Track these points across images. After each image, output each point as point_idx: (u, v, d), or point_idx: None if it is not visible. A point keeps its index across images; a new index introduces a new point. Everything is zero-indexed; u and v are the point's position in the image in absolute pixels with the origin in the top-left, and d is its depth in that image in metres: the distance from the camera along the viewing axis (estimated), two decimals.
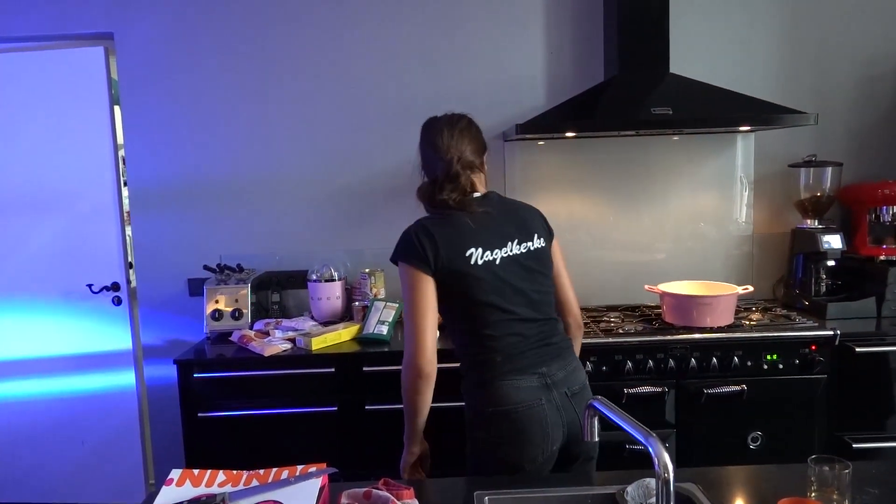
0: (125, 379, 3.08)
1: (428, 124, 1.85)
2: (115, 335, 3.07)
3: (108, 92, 2.95)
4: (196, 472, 1.34)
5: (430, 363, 1.67)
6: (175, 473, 1.34)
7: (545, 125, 2.62)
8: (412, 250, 1.69)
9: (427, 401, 1.73)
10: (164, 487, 1.31)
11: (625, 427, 1.06)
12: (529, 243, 1.74)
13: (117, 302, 3.03)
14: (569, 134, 2.73)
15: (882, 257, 2.72)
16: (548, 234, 1.82)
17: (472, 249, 1.66)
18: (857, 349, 2.43)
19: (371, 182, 2.99)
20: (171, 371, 2.53)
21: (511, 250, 1.70)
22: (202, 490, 1.29)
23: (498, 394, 1.65)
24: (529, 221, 1.79)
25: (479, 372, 1.71)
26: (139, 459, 3.10)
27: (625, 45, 2.69)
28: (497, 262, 1.67)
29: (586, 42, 2.92)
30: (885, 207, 2.73)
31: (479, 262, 1.66)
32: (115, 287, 3.03)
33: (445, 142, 1.76)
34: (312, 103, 2.95)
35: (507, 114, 2.93)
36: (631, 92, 2.66)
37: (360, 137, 2.96)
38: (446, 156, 1.74)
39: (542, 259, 1.74)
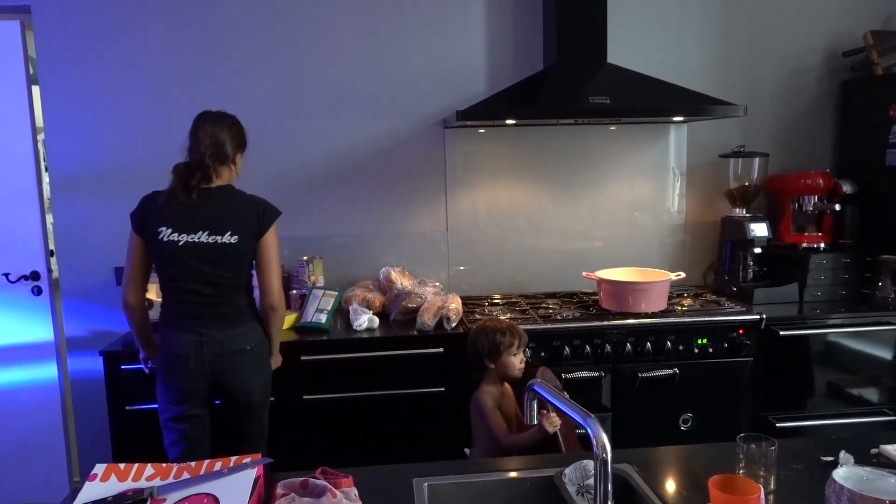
0: (47, 372, 2.92)
1: (198, 116, 2.11)
2: (35, 327, 2.90)
3: (24, 70, 2.77)
4: (122, 466, 1.28)
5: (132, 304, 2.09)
6: (99, 468, 1.28)
7: (485, 112, 2.62)
8: (134, 212, 2.07)
9: None
10: (87, 483, 1.24)
11: (563, 409, 1.06)
12: (219, 237, 2.02)
13: (37, 292, 2.87)
14: (509, 121, 2.74)
15: (804, 245, 2.84)
16: (251, 233, 2.05)
17: (164, 228, 2.00)
18: (781, 332, 2.54)
19: (309, 168, 2.92)
20: (96, 363, 2.43)
21: (199, 238, 2.01)
22: (129, 485, 1.23)
23: (164, 338, 2.07)
24: (231, 220, 2.03)
25: (160, 318, 2.11)
26: (62, 456, 2.95)
27: (563, 35, 2.72)
28: (180, 243, 2.00)
29: (526, 30, 2.93)
30: (807, 197, 2.86)
31: (165, 239, 2.00)
32: (35, 276, 2.86)
33: (203, 136, 2.04)
34: (246, 85, 2.85)
35: (448, 101, 2.91)
36: (570, 81, 2.68)
37: (298, 122, 2.89)
38: (201, 147, 2.03)
39: (228, 252, 2.03)
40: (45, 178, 3.02)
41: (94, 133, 2.81)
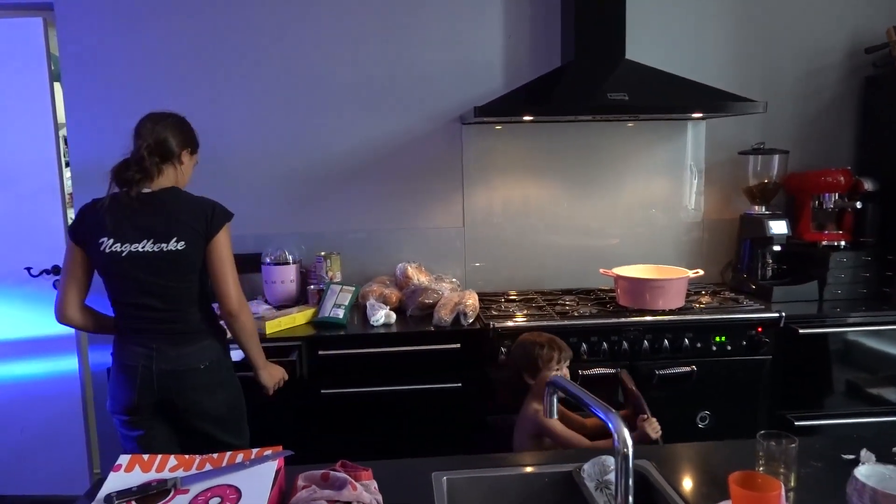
0: (67, 365, 2.97)
1: (143, 116, 1.99)
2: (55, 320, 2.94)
3: (46, 67, 2.81)
4: (146, 457, 1.30)
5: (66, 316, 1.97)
6: (123, 459, 1.30)
7: (503, 108, 2.62)
8: (72, 222, 1.95)
9: None
10: (111, 474, 1.26)
11: (586, 403, 1.07)
12: (164, 245, 1.88)
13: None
14: (526, 118, 2.74)
15: (824, 243, 2.82)
16: (199, 237, 1.90)
17: (105, 239, 1.87)
18: (801, 331, 2.52)
19: (327, 164, 2.94)
20: None
21: (143, 247, 1.87)
22: (153, 475, 1.25)
23: (115, 348, 1.97)
24: (177, 225, 1.89)
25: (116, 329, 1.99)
26: (83, 447, 3.00)
27: (581, 31, 2.71)
28: (123, 254, 1.87)
29: (543, 27, 2.92)
30: (827, 195, 2.83)
31: (108, 250, 1.86)
32: (56, 270, 2.91)
33: (144, 133, 1.93)
34: (266, 82, 2.87)
35: (465, 97, 2.91)
36: (587, 77, 2.68)
37: (316, 119, 2.91)
38: (139, 140, 1.92)
39: (176, 260, 1.88)
40: (66, 174, 3.06)
41: (115, 129, 2.82)
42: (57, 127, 2.88)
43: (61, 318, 1.95)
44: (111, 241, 1.87)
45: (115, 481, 1.24)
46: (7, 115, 2.82)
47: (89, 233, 1.89)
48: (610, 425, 1.00)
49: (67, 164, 2.96)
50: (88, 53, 2.79)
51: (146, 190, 1.90)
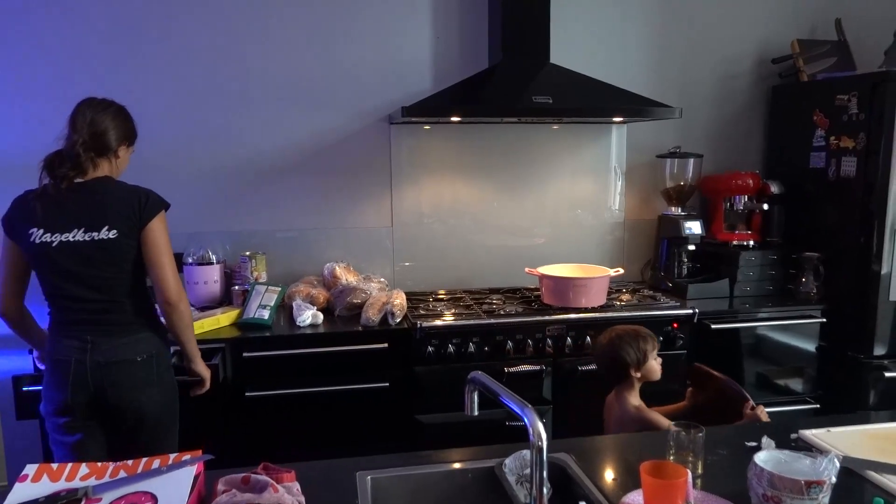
0: None
1: (81, 101, 1.92)
2: None
3: None
4: (55, 466, 1.25)
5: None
6: (30, 469, 1.24)
7: (430, 109, 2.64)
8: (4, 213, 1.89)
9: None
10: (17, 484, 1.20)
11: (502, 399, 1.09)
12: (96, 233, 1.84)
13: None
14: (454, 119, 2.77)
15: (735, 242, 2.98)
16: (132, 225, 1.87)
17: (35, 229, 1.83)
18: (713, 326, 2.65)
19: (253, 161, 2.88)
20: (27, 361, 2.33)
21: (73, 237, 1.83)
22: (62, 485, 1.20)
23: (48, 344, 1.92)
24: (109, 213, 1.85)
25: (48, 324, 1.94)
26: None
27: (507, 34, 2.76)
28: (53, 244, 1.83)
29: (471, 28, 2.96)
30: (738, 196, 2.99)
31: (38, 241, 1.82)
32: None
33: (80, 124, 1.87)
34: (186, 76, 2.79)
35: (394, 97, 2.92)
36: (513, 79, 2.73)
37: (243, 114, 2.84)
38: (74, 135, 1.86)
39: (109, 249, 1.85)
40: None
41: (24, 119, 2.68)
42: None
43: (3, 315, 1.91)
44: (41, 231, 1.82)
45: (21, 492, 1.19)
46: None
47: (20, 224, 1.84)
48: (525, 419, 1.03)
49: None
50: None
51: (78, 180, 1.86)
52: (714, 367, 2.67)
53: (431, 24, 2.94)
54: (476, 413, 1.23)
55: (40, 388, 1.95)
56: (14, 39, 2.65)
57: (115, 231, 1.84)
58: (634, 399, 2.02)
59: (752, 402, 1.92)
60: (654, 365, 2.03)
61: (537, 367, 2.54)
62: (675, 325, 2.64)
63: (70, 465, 1.25)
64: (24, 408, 2.28)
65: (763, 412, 1.89)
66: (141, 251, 1.88)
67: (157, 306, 1.96)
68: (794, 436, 1.53)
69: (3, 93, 2.67)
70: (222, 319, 2.50)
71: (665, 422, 1.94)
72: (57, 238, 1.82)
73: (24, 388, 2.27)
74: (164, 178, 2.78)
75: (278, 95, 2.86)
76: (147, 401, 1.90)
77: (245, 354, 2.39)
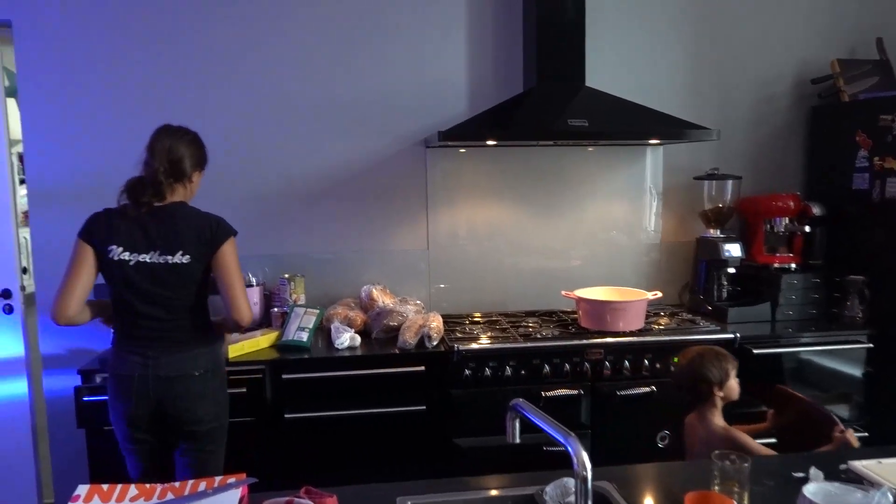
0: (17, 392, 2.86)
1: (158, 129, 2.06)
2: (5, 345, 2.85)
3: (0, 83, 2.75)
4: (105, 487, 1.28)
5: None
6: (82, 489, 1.27)
7: (466, 133, 2.67)
8: (84, 225, 2.00)
9: None
10: None
11: (544, 428, 1.09)
12: (170, 257, 1.96)
13: (8, 310, 2.83)
14: (489, 142, 2.79)
15: (776, 265, 2.92)
16: (203, 251, 1.98)
17: (114, 247, 1.95)
18: (755, 351, 2.60)
19: (292, 186, 2.94)
20: (74, 381, 2.39)
21: (150, 258, 1.96)
22: None
23: (112, 359, 2.03)
24: (182, 238, 1.97)
25: (112, 337, 2.07)
26: (32, 477, 2.89)
27: (543, 58, 2.78)
28: (131, 263, 1.95)
29: (506, 53, 2.99)
30: (778, 219, 2.94)
31: (116, 258, 1.94)
32: (6, 294, 2.82)
33: (160, 150, 2.00)
34: (227, 102, 2.87)
35: (429, 121, 2.95)
36: (549, 103, 2.74)
37: (282, 140, 2.91)
38: (156, 162, 1.98)
39: (180, 273, 1.96)
40: (21, 192, 2.98)
41: (74, 147, 2.79)
42: (9, 145, 2.81)
43: (62, 318, 1.95)
44: (121, 249, 1.95)
45: None
46: None
47: (100, 238, 1.96)
48: (569, 449, 1.02)
49: (22, 182, 2.89)
50: (46, 69, 2.75)
51: (156, 204, 1.99)
52: (756, 394, 2.63)
53: (467, 49, 2.98)
54: (518, 440, 1.23)
55: (99, 398, 2.12)
56: (89, 70, 2.77)
57: (188, 256, 1.96)
58: (719, 420, 2.00)
59: (840, 426, 1.87)
60: (735, 384, 2.02)
61: (575, 392, 2.52)
62: None
63: (119, 486, 1.28)
64: (84, 417, 2.38)
65: (853, 436, 1.84)
66: (208, 274, 2.01)
67: (210, 321, 2.09)
68: (843, 467, 1.49)
69: (48, 124, 2.78)
70: (262, 341, 2.54)
71: (755, 444, 1.93)
72: (135, 258, 1.95)
73: (84, 399, 2.37)
74: (207, 203, 2.83)
75: (316, 121, 2.92)
76: (203, 414, 2.01)
77: (284, 376, 2.42)
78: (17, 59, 2.74)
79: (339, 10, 2.88)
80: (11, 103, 2.92)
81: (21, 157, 3.44)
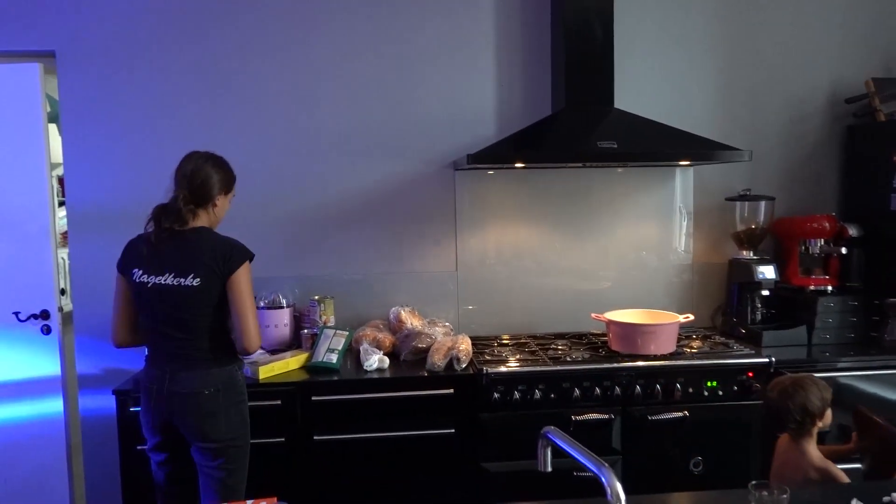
0: (53, 412, 2.91)
1: (185, 156, 2.15)
2: (42, 365, 2.90)
3: (41, 110, 2.84)
4: None
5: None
6: None
7: (495, 156, 2.68)
8: (121, 254, 2.15)
9: None
10: None
11: (577, 457, 1.08)
12: (183, 280, 2.03)
13: (46, 331, 2.89)
14: (518, 164, 2.80)
15: (812, 287, 2.86)
16: (217, 275, 2.03)
17: (137, 270, 2.07)
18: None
19: (322, 208, 2.97)
20: (109, 401, 2.44)
21: (166, 281, 2.04)
22: None
23: (142, 373, 2.19)
24: (196, 263, 2.03)
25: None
26: (66, 495, 2.93)
27: (571, 81, 2.79)
28: (149, 285, 2.05)
29: (534, 76, 3.00)
30: (813, 240, 2.88)
31: (138, 280, 2.06)
32: (45, 315, 2.89)
33: (181, 178, 2.09)
34: (263, 127, 2.92)
35: (458, 143, 2.97)
36: (578, 125, 2.74)
37: (312, 163, 2.95)
38: (177, 190, 2.08)
39: (191, 295, 2.03)
40: (60, 213, 3.06)
41: (112, 171, 2.87)
42: (50, 168, 2.90)
43: (115, 343, 2.17)
44: (140, 272, 2.06)
45: None
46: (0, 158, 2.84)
47: (127, 264, 2.10)
48: (603, 480, 1.01)
49: (62, 204, 2.97)
50: (88, 97, 2.84)
51: (178, 228, 2.07)
52: None
53: (495, 72, 3.00)
54: (549, 469, 1.21)
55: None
56: (99, 101, 2.86)
57: (198, 279, 2.02)
58: (815, 450, 1.96)
59: None
60: (830, 412, 1.98)
61: (606, 416, 2.48)
62: (751, 374, 2.54)
63: None
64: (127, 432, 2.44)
65: None
66: (222, 298, 2.05)
67: (230, 343, 2.14)
68: (886, 499, 1.45)
69: (88, 148, 2.86)
70: (292, 363, 2.56)
71: (846, 478, 1.88)
72: (152, 280, 2.05)
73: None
74: (238, 225, 2.88)
75: (347, 145, 2.96)
76: (210, 430, 2.05)
77: (314, 398, 2.43)
78: (60, 86, 2.84)
79: (370, 36, 2.93)
80: (53, 128, 3.01)
81: (60, 180, 3.55)
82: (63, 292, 3.17)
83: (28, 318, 2.88)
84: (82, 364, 2.92)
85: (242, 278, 2.05)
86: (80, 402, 2.94)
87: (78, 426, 2.97)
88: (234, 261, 2.05)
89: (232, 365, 2.12)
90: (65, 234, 3.38)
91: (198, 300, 2.03)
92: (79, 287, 2.90)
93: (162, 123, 2.87)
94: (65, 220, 2.97)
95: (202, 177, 2.09)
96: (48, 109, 2.94)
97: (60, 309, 2.94)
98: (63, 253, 3.33)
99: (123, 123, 2.86)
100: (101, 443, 2.88)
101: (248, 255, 2.09)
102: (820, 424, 1.95)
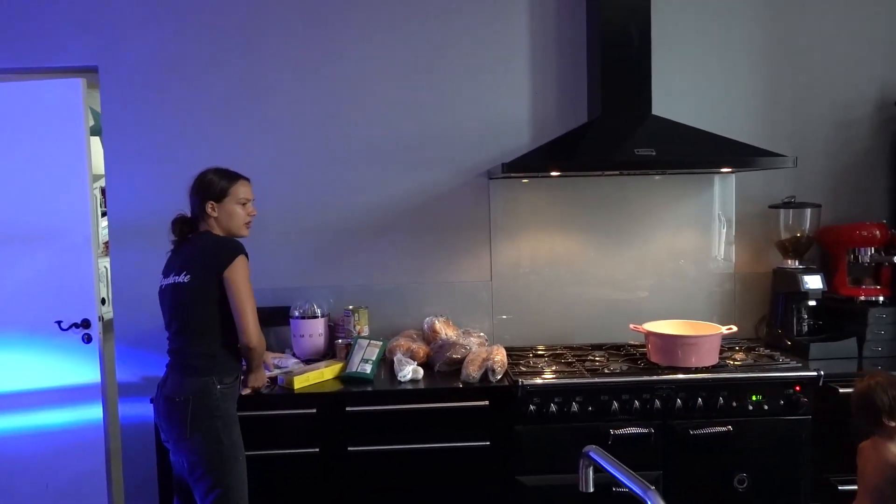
0: (94, 421, 2.96)
1: None
2: (83, 373, 2.95)
3: (83, 123, 2.90)
4: None
5: None
6: None
7: (531, 164, 2.65)
8: None
9: None
10: None
11: (621, 479, 1.04)
12: (177, 278, 2.14)
13: (87, 340, 2.94)
14: (553, 173, 2.76)
15: (862, 298, 2.75)
16: (205, 272, 2.12)
17: (162, 275, 2.24)
18: (841, 390, 2.44)
19: (356, 218, 2.97)
20: (147, 409, 2.46)
21: (169, 281, 2.18)
22: None
23: None
24: (189, 261, 2.15)
25: None
26: (104, 498, 2.97)
27: (607, 88, 2.74)
28: (162, 287, 2.22)
29: (569, 84, 2.96)
30: (863, 249, 2.77)
31: (160, 285, 2.24)
32: (86, 324, 2.94)
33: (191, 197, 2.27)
34: (297, 139, 2.94)
35: (492, 152, 2.95)
36: (614, 133, 2.70)
37: (347, 173, 2.96)
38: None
39: (181, 292, 2.14)
40: (102, 223, 3.12)
41: (154, 183, 2.91)
42: (92, 180, 2.96)
43: None
44: (162, 277, 2.24)
45: None
46: (43, 170, 2.90)
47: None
48: (648, 503, 0.97)
49: (104, 214, 3.02)
50: (129, 111, 2.90)
51: (190, 235, 2.25)
52: (843, 436, 2.46)
53: (529, 80, 2.97)
54: (591, 490, 1.17)
55: None
56: (139, 115, 2.91)
57: (189, 276, 2.13)
58: (893, 448, 1.93)
59: None
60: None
61: (645, 430, 2.41)
62: (798, 387, 2.45)
63: None
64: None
65: None
66: (216, 298, 2.12)
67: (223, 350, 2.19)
68: None
69: (129, 160, 2.91)
70: (326, 373, 2.56)
71: None
72: (164, 282, 2.22)
73: None
74: (273, 236, 2.94)
75: (380, 154, 2.96)
76: (178, 439, 2.12)
77: (348, 409, 2.42)
78: (103, 101, 2.90)
79: (403, 46, 2.93)
80: (96, 141, 3.08)
81: (103, 191, 3.63)
82: (103, 301, 3.22)
83: (70, 328, 2.94)
84: (122, 372, 2.96)
85: (238, 274, 2.11)
86: (120, 410, 2.98)
87: (117, 433, 3.01)
88: (225, 256, 2.11)
89: (210, 376, 2.11)
90: (106, 244, 3.45)
91: (188, 297, 2.13)
92: (119, 296, 2.95)
93: (199, 136, 2.91)
94: (106, 230, 3.03)
95: (191, 190, 2.26)
96: (91, 123, 3.01)
97: (101, 318, 2.99)
98: (104, 262, 3.39)
99: (162, 136, 2.91)
100: (139, 449, 2.91)
101: (240, 251, 2.14)
102: (892, 424, 1.92)
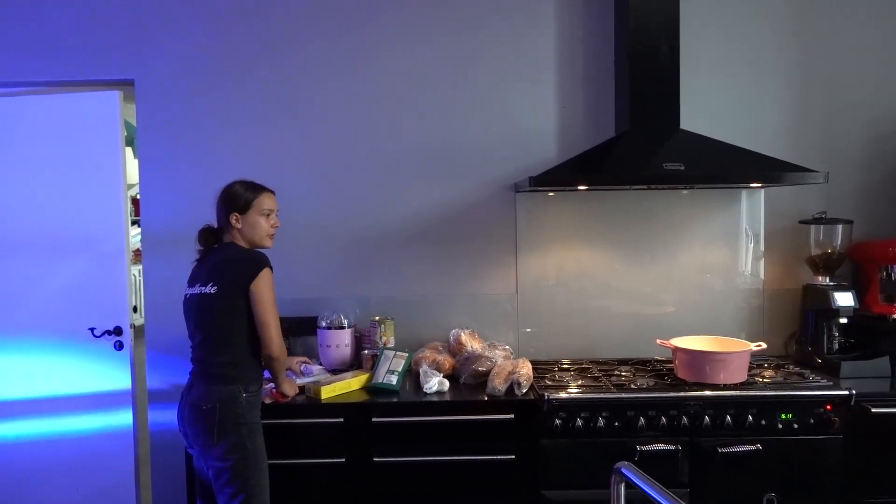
0: (124, 427, 3.01)
1: None
2: (114, 380, 3.01)
3: (119, 134, 2.97)
4: None
5: None
6: None
7: (558, 178, 2.65)
8: None
9: None
10: None
11: (656, 497, 1.03)
12: (203, 288, 2.19)
13: (119, 347, 2.99)
14: (581, 187, 2.76)
15: (894, 316, 2.70)
16: (234, 283, 2.17)
17: (187, 284, 2.29)
18: (873, 410, 2.40)
19: (382, 229, 3.00)
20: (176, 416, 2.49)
21: (195, 291, 2.23)
22: None
23: None
24: (216, 272, 2.20)
25: None
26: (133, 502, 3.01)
27: (636, 102, 2.74)
28: (187, 296, 2.27)
29: (597, 97, 2.96)
30: None
31: (185, 294, 2.28)
32: (118, 331, 3.00)
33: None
34: (327, 151, 2.98)
35: (519, 165, 2.96)
36: (642, 147, 2.69)
37: (373, 185, 2.99)
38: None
39: (207, 303, 2.19)
40: (133, 232, 3.18)
41: (185, 194, 2.97)
42: (126, 189, 3.02)
43: None
44: (187, 285, 2.29)
45: None
46: (80, 180, 2.97)
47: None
48: None
49: (135, 223, 3.08)
50: (163, 123, 2.96)
51: (215, 246, 2.31)
52: (876, 457, 2.43)
53: (557, 94, 2.98)
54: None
55: None
56: (174, 127, 2.97)
57: (215, 287, 2.18)
58: None
59: None
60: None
61: (672, 447, 2.39)
62: (829, 406, 2.41)
63: None
64: None
65: None
66: (242, 309, 2.17)
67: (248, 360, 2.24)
68: None
69: (162, 171, 2.97)
70: (353, 383, 2.57)
71: None
72: (189, 291, 2.27)
73: None
74: (300, 246, 2.98)
75: (407, 167, 2.98)
76: (204, 446, 2.16)
77: (374, 419, 2.43)
78: (138, 113, 2.97)
79: (433, 58, 2.96)
80: (128, 151, 3.15)
81: (134, 200, 3.70)
82: (135, 309, 3.27)
83: (102, 335, 3.00)
84: (152, 379, 3.01)
85: (263, 287, 2.16)
86: (150, 416, 3.03)
87: (147, 439, 3.06)
88: (251, 269, 2.17)
89: (236, 385, 2.16)
90: (137, 252, 3.51)
91: (214, 308, 2.17)
92: (151, 304, 3.00)
93: (230, 148, 2.96)
94: (138, 238, 3.09)
95: (217, 201, 2.32)
96: (125, 134, 3.08)
97: (132, 325, 3.04)
98: (135, 270, 3.45)
99: (195, 147, 2.97)
100: (168, 455, 2.95)
101: (265, 264, 2.19)
102: None
